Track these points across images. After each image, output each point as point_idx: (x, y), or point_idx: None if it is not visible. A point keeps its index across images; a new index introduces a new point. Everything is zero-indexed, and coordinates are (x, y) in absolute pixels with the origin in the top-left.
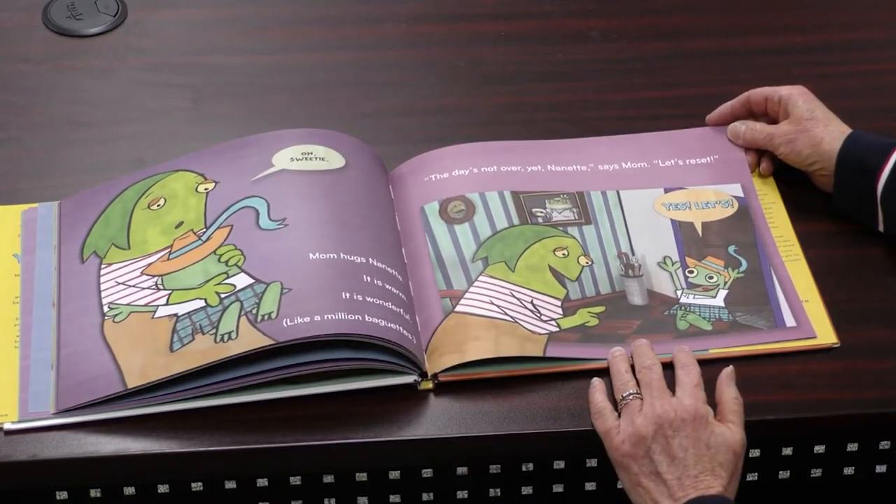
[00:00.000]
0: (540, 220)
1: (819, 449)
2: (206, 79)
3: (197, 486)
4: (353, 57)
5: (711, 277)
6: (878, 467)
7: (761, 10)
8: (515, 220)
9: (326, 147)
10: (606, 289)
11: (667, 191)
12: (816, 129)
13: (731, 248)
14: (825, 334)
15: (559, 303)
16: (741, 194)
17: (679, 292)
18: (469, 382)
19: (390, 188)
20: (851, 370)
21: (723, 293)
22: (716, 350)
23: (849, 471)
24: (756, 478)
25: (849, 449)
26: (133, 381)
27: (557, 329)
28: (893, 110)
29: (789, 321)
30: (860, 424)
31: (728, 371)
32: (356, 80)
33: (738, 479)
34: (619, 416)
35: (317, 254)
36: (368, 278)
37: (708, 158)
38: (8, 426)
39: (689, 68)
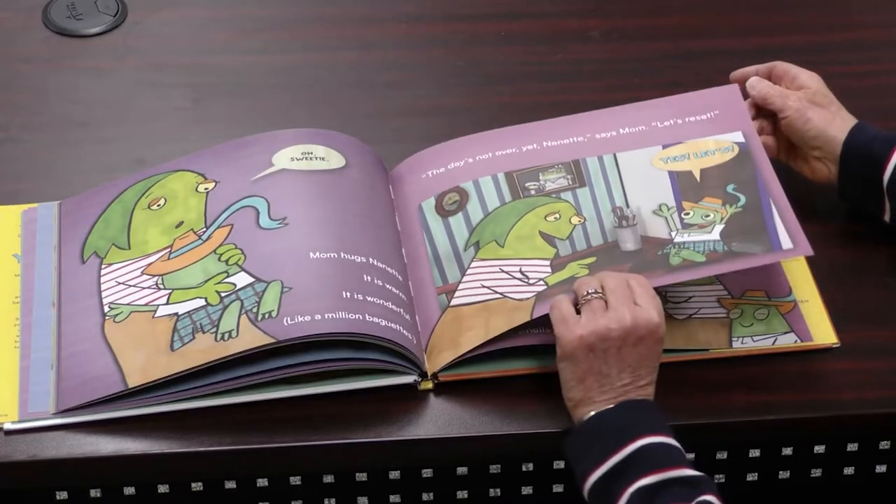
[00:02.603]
0: (533, 192)
1: (819, 449)
2: (206, 79)
3: (197, 486)
4: (353, 57)
5: (708, 216)
6: (878, 467)
7: (761, 10)
8: (508, 199)
9: (326, 147)
10: (598, 241)
11: (665, 147)
12: (830, 109)
13: (730, 187)
14: (825, 334)
15: (548, 262)
16: (742, 140)
17: (674, 233)
18: (469, 382)
19: (390, 188)
20: (851, 370)
21: (719, 228)
22: (716, 350)
23: (849, 471)
24: (756, 478)
25: (849, 449)
26: (134, 381)
27: (545, 287)
28: (893, 110)
29: (786, 243)
30: (860, 424)
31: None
32: (356, 80)
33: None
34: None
35: (317, 253)
36: (369, 278)
37: (708, 114)
38: (8, 426)
39: (689, 68)
